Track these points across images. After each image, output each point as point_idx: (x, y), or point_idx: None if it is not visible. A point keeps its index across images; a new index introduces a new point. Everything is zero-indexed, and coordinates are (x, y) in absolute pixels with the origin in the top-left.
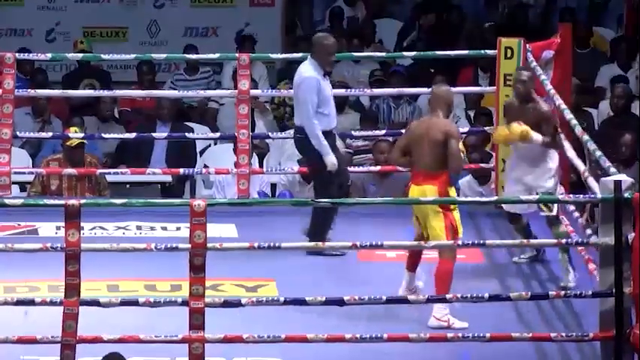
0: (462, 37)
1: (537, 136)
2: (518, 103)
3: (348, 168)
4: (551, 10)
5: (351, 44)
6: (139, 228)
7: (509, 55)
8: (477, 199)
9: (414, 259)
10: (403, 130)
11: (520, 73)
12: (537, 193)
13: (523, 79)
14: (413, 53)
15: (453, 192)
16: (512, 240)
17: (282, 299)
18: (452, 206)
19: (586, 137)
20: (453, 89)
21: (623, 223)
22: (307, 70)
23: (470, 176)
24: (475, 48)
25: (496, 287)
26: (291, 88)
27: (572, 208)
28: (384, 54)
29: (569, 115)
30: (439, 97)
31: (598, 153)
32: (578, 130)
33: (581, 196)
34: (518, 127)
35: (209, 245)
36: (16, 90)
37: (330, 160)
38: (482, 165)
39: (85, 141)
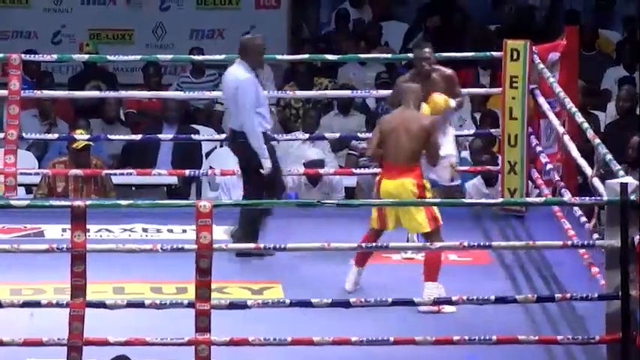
0: (466, 38)
1: (453, 102)
2: (422, 79)
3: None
4: (556, 12)
5: (357, 46)
6: (145, 230)
7: (515, 57)
8: (483, 200)
9: (365, 255)
10: None
11: (422, 51)
12: (452, 165)
13: (427, 56)
14: None
15: (427, 183)
16: (519, 242)
17: (288, 301)
18: (428, 196)
19: (597, 140)
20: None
21: (629, 226)
22: (241, 72)
23: (477, 178)
24: (480, 50)
25: (502, 289)
26: (296, 90)
27: (578, 211)
28: (389, 55)
29: (580, 118)
30: (411, 91)
31: (609, 157)
32: (590, 133)
33: (587, 198)
34: (440, 96)
35: (215, 246)
36: (22, 92)
37: (267, 164)
38: (489, 167)
39: (91, 144)
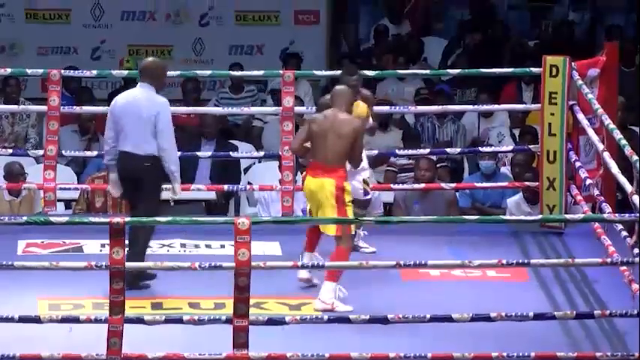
0: (505, 54)
1: (370, 120)
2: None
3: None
4: (597, 27)
5: (396, 62)
6: (183, 246)
7: (554, 73)
8: (521, 217)
9: (312, 240)
10: (447, 149)
11: (350, 78)
12: (364, 180)
13: (355, 84)
14: (457, 71)
15: (348, 186)
16: (558, 259)
17: (326, 317)
18: (347, 200)
19: (635, 157)
20: (497, 107)
21: None
22: (155, 95)
23: (520, 195)
24: (519, 65)
25: (541, 306)
26: None
27: (619, 227)
28: (427, 71)
29: (617, 134)
30: (341, 95)
31: None
32: (628, 149)
33: (627, 214)
34: (365, 106)
35: (253, 264)
36: (62, 107)
37: (179, 189)
38: (528, 183)
39: None
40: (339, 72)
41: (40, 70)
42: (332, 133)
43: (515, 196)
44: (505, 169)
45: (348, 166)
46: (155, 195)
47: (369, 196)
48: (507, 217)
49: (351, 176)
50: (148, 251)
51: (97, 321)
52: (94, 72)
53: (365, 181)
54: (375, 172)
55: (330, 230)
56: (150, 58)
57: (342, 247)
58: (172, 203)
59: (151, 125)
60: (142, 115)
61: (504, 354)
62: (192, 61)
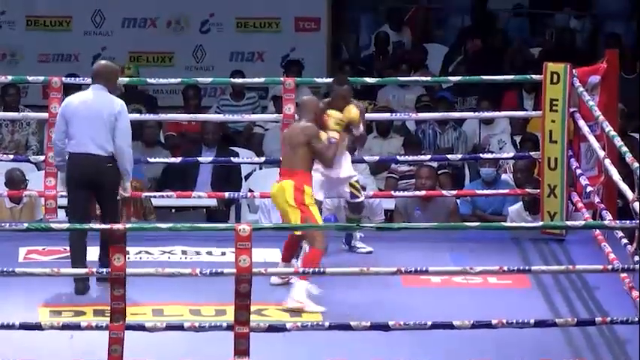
0: (506, 61)
1: (361, 128)
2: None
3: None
4: (597, 35)
5: (398, 69)
6: (184, 252)
7: (555, 80)
8: (522, 224)
9: (290, 252)
10: (448, 156)
11: (342, 88)
12: (351, 184)
13: (345, 94)
14: (458, 78)
15: (308, 189)
16: (559, 265)
17: (326, 324)
18: (307, 202)
19: (636, 164)
20: (498, 114)
21: None
22: (112, 98)
23: (520, 204)
24: (519, 72)
25: (542, 313)
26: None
27: (620, 234)
28: (428, 78)
29: (618, 141)
30: (306, 106)
31: None
32: (629, 156)
33: (628, 221)
34: (356, 110)
35: (254, 270)
36: None
37: (129, 188)
38: (529, 190)
39: None
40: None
41: (41, 78)
42: (289, 141)
43: (516, 204)
44: (506, 176)
45: (334, 173)
46: (116, 195)
47: (359, 199)
48: (508, 224)
49: (340, 184)
50: (150, 258)
51: (98, 328)
52: None
53: (353, 185)
54: (376, 179)
55: (295, 231)
56: (103, 61)
57: (313, 248)
58: (173, 210)
59: (111, 125)
60: (103, 116)
61: None
62: (193, 68)
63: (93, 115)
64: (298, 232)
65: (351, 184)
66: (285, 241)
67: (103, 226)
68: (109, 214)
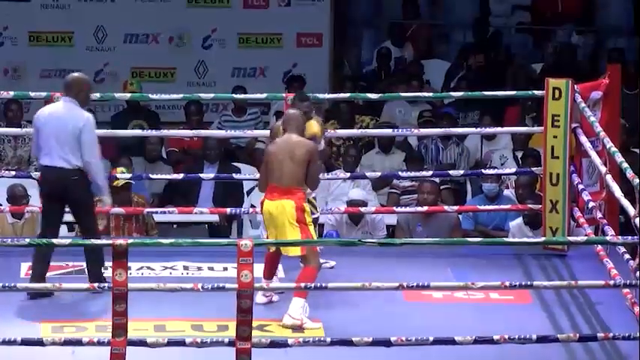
0: (508, 77)
1: (322, 143)
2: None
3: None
4: (599, 50)
5: (410, 85)
6: (186, 268)
7: (557, 95)
8: (524, 239)
9: (270, 269)
10: (451, 172)
11: (303, 104)
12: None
13: (306, 110)
14: (460, 93)
15: (307, 207)
16: (561, 281)
17: (328, 340)
18: (308, 221)
19: (637, 180)
20: (500, 129)
21: None
22: (80, 110)
23: (521, 219)
24: (521, 88)
25: (544, 328)
26: (338, 128)
27: (622, 249)
28: (430, 94)
29: (619, 157)
30: (293, 118)
31: None
32: (629, 172)
33: (629, 237)
34: (317, 125)
35: (256, 285)
36: None
37: (108, 200)
38: (531, 206)
39: (131, 182)
40: (343, 94)
41: (44, 93)
42: (286, 156)
43: (517, 219)
44: (508, 192)
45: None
46: (89, 208)
47: (315, 215)
48: (510, 239)
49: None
50: (151, 273)
51: (99, 343)
52: (97, 95)
53: (310, 201)
54: (378, 195)
55: (293, 251)
56: (75, 74)
57: (310, 266)
58: (175, 226)
59: (76, 138)
60: (68, 128)
61: None
62: (195, 84)
63: (59, 128)
64: (298, 252)
65: (308, 200)
66: (267, 256)
67: (104, 241)
68: (83, 226)
